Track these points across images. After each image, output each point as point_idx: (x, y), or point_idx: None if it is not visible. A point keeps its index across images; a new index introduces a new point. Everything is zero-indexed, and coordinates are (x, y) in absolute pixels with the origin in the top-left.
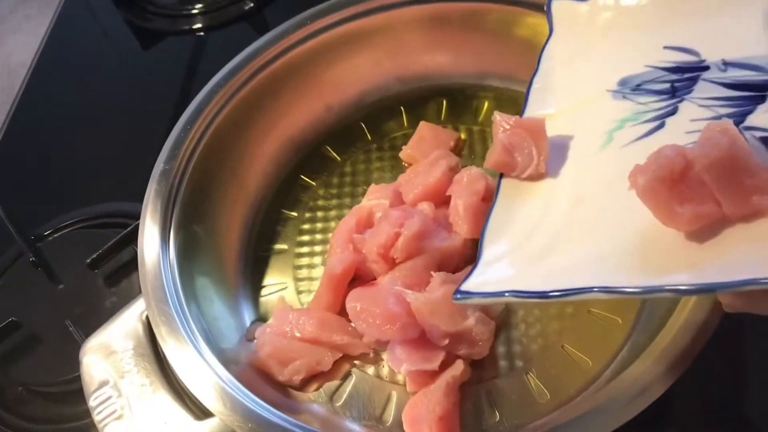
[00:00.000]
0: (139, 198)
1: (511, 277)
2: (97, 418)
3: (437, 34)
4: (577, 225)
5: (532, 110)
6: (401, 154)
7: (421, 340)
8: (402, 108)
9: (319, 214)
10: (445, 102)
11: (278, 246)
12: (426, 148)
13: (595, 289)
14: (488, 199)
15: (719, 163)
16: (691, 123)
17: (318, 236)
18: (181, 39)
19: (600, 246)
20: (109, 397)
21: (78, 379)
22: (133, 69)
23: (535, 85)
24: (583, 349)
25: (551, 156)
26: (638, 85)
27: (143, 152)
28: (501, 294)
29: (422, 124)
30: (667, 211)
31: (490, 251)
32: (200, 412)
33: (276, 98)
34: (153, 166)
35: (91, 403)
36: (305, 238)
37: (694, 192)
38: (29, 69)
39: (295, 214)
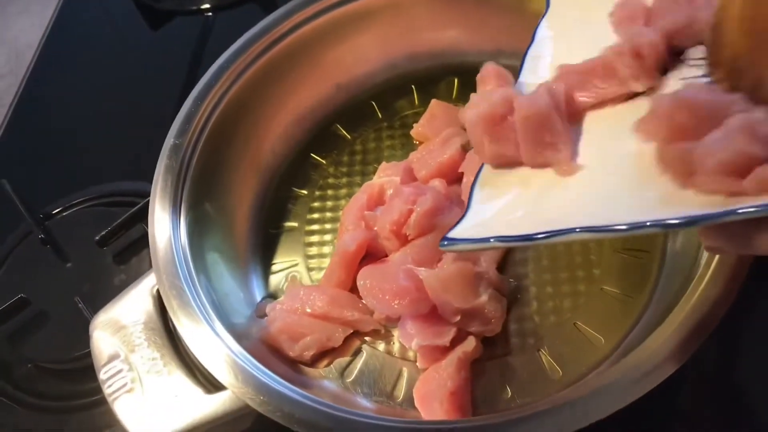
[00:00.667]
0: (148, 177)
1: (498, 224)
2: (107, 391)
3: (449, 11)
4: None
5: (526, 78)
6: (412, 132)
7: (431, 315)
8: (413, 86)
9: (330, 192)
10: (456, 80)
11: (289, 223)
12: (437, 125)
13: (578, 230)
14: None
15: (531, 117)
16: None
17: (328, 214)
18: (189, 19)
19: (589, 194)
20: (120, 371)
21: (88, 355)
22: (141, 49)
23: (530, 54)
24: (595, 327)
25: None
26: None
27: (151, 132)
28: (486, 240)
29: (434, 102)
30: (478, 144)
31: (479, 199)
32: (210, 385)
33: (285, 76)
34: (161, 146)
35: (102, 376)
36: (316, 215)
37: (504, 134)
38: (36, 50)
39: (305, 191)
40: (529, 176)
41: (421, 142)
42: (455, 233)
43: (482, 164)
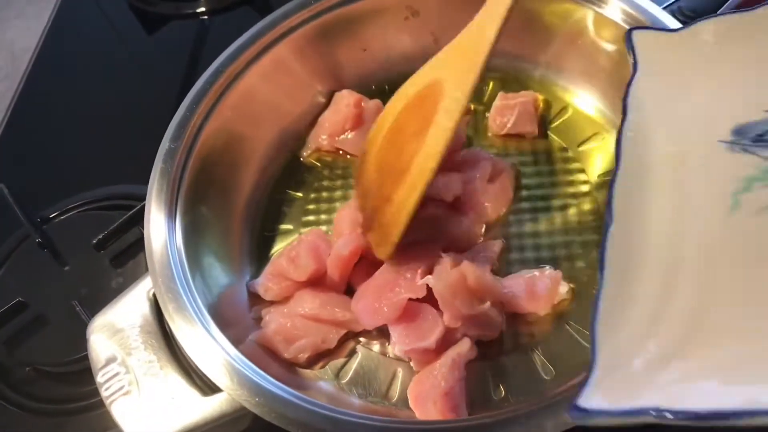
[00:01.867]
0: (144, 180)
1: (645, 388)
2: (104, 394)
3: (442, 14)
4: (715, 314)
5: (627, 161)
6: None
7: (415, 319)
8: None
9: (324, 194)
10: None
11: (284, 226)
12: None
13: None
14: (494, 179)
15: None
16: None
17: (323, 216)
18: (184, 23)
19: (749, 344)
20: (117, 374)
21: (85, 358)
22: (137, 53)
23: (627, 134)
24: (588, 326)
25: (659, 217)
26: (761, 135)
27: (148, 135)
28: (643, 412)
29: None
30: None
31: (607, 350)
32: (207, 387)
33: (280, 80)
34: (157, 149)
35: (99, 379)
36: (310, 218)
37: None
38: (33, 53)
39: (300, 194)
40: (667, 301)
41: None
42: (589, 400)
43: (598, 291)
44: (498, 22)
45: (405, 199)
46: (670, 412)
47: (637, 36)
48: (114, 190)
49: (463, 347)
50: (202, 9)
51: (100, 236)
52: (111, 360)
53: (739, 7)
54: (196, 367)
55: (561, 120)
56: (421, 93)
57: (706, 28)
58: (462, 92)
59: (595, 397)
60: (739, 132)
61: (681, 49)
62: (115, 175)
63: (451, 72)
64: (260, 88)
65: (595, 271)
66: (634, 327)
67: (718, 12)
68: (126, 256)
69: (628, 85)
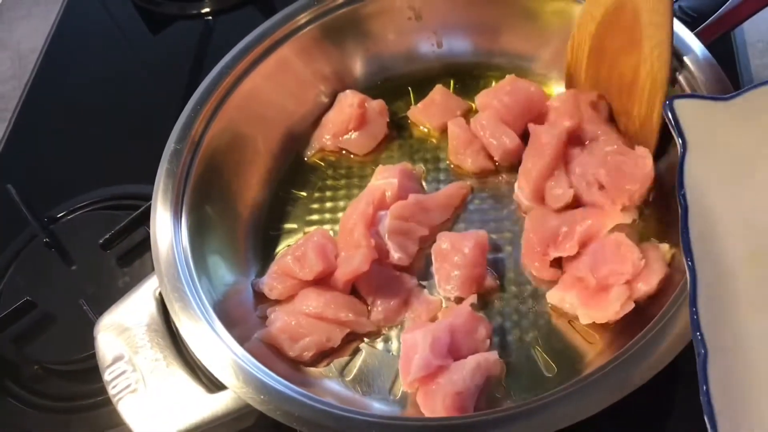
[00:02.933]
0: (150, 180)
1: None
2: (112, 392)
3: (446, 15)
4: None
5: (703, 268)
6: (409, 113)
7: None
8: (409, 88)
9: (328, 194)
10: (452, 81)
11: (288, 225)
12: (434, 111)
13: None
14: None
15: None
16: None
17: (327, 215)
18: (189, 23)
19: None
20: (124, 372)
21: (92, 357)
22: (142, 53)
23: (692, 230)
24: (590, 324)
25: (763, 335)
26: None
27: (154, 135)
28: None
29: (438, 87)
30: None
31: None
32: (212, 385)
33: (284, 80)
34: (163, 148)
35: (106, 377)
36: (315, 217)
37: None
38: (40, 54)
39: (304, 194)
40: None
41: (415, 125)
42: None
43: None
44: None
45: (647, 112)
46: None
47: (680, 106)
48: (120, 190)
49: (489, 359)
50: (207, 9)
51: (107, 236)
52: (118, 358)
53: (746, 4)
54: (202, 365)
55: None
56: (609, 11)
57: (761, 95)
58: (661, 2)
59: None
60: None
61: (734, 119)
62: (122, 175)
63: None
64: (264, 88)
65: None
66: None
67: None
68: (132, 255)
69: (680, 166)
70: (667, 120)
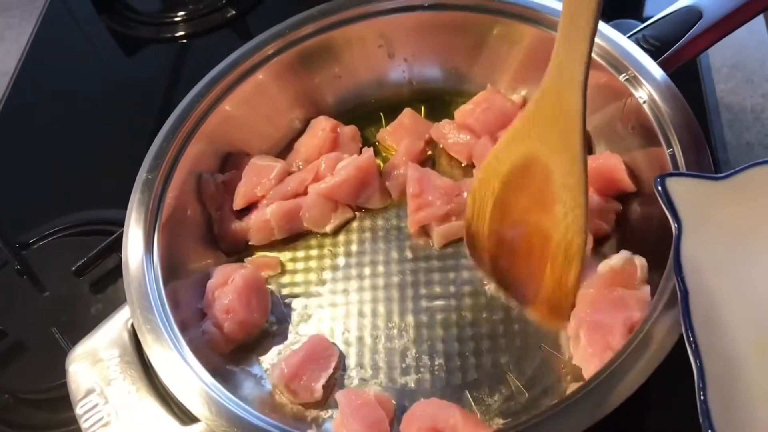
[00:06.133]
0: (124, 205)
1: None
2: (84, 425)
3: (416, 42)
4: None
5: (709, 359)
6: (378, 136)
7: None
8: (381, 114)
9: None
10: (423, 107)
11: (262, 253)
12: (402, 134)
13: None
14: None
15: None
16: None
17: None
18: (164, 46)
19: None
20: (96, 405)
21: (65, 385)
22: (116, 76)
23: (695, 316)
24: (557, 348)
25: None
26: None
27: (128, 159)
28: None
29: (406, 110)
30: None
31: None
32: (186, 417)
33: (255, 108)
34: (138, 172)
35: (78, 411)
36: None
37: None
38: (12, 77)
39: None
40: None
41: (383, 147)
42: None
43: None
44: (579, 87)
45: (562, 277)
46: None
47: (673, 185)
48: (93, 215)
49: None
50: (181, 33)
51: (79, 263)
52: (90, 391)
53: (708, 33)
54: (175, 397)
55: None
56: (516, 168)
57: (758, 175)
58: (575, 164)
59: None
60: None
61: (729, 199)
62: (95, 200)
63: (545, 144)
64: (239, 114)
65: None
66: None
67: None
68: (106, 282)
69: (675, 248)
70: (660, 199)
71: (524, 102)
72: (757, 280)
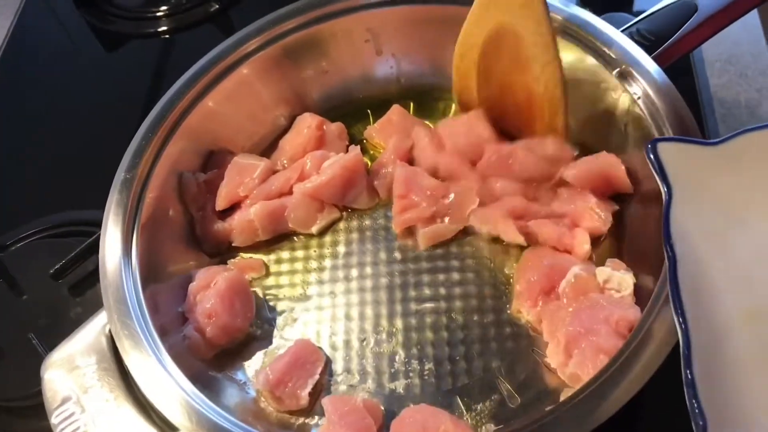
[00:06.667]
0: (104, 206)
1: None
2: None
3: (404, 37)
4: None
5: (696, 327)
6: (365, 133)
7: None
8: (369, 111)
9: None
10: (412, 104)
11: (245, 254)
12: (391, 131)
13: None
14: None
15: None
16: None
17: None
18: (146, 42)
19: None
20: (72, 414)
21: (41, 393)
22: (98, 73)
23: (684, 284)
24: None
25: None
26: None
27: (108, 158)
28: None
29: (395, 107)
30: None
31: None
32: (166, 426)
33: (239, 105)
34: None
35: (54, 420)
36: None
37: None
38: None
39: None
40: None
41: (371, 144)
42: None
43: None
44: None
45: (550, 129)
46: None
47: (664, 150)
48: (73, 216)
49: None
50: (164, 27)
51: (58, 266)
52: (66, 399)
53: (703, 27)
54: (155, 406)
55: None
56: (489, 39)
57: (750, 141)
58: (539, 24)
59: None
60: None
61: (721, 165)
62: (74, 201)
63: (508, 9)
64: (222, 111)
65: None
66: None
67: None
68: (85, 285)
69: (665, 214)
70: (650, 164)
71: None
72: (747, 249)
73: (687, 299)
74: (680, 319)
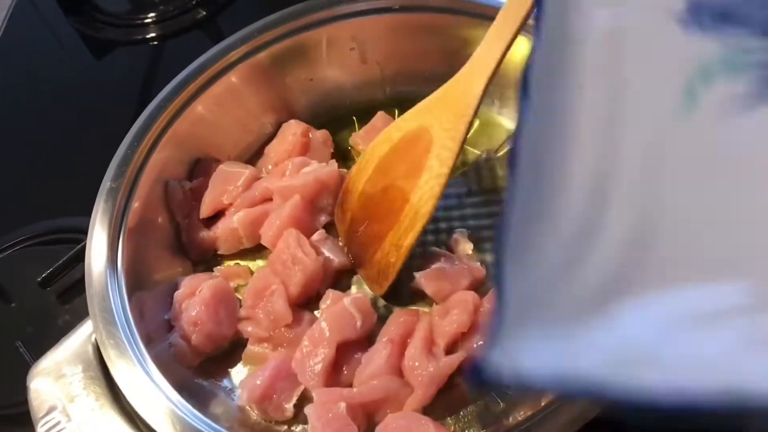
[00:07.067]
0: (91, 213)
1: (575, 344)
2: None
3: (389, 45)
4: (664, 241)
5: (550, 34)
6: (350, 139)
7: None
8: (354, 118)
9: None
10: (397, 111)
11: (231, 261)
12: (374, 137)
13: None
14: None
15: None
16: None
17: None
18: (134, 48)
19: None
20: (58, 423)
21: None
22: (86, 80)
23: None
24: None
25: (590, 112)
26: (723, 14)
27: (98, 165)
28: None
29: (379, 113)
30: None
31: (522, 287)
32: None
33: (226, 112)
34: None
35: (39, 429)
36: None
37: None
38: None
39: None
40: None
41: (356, 151)
42: (500, 356)
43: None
44: (485, 78)
45: (400, 240)
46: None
47: None
48: (60, 224)
49: None
50: (152, 34)
51: (45, 273)
52: (52, 408)
53: None
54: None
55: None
56: (407, 137)
57: None
58: (454, 141)
59: (508, 353)
60: (697, 7)
61: None
62: (62, 207)
63: (439, 121)
64: (209, 118)
65: None
66: (557, 255)
67: None
68: (73, 292)
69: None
70: None
71: None
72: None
73: (550, 7)
74: (537, 26)
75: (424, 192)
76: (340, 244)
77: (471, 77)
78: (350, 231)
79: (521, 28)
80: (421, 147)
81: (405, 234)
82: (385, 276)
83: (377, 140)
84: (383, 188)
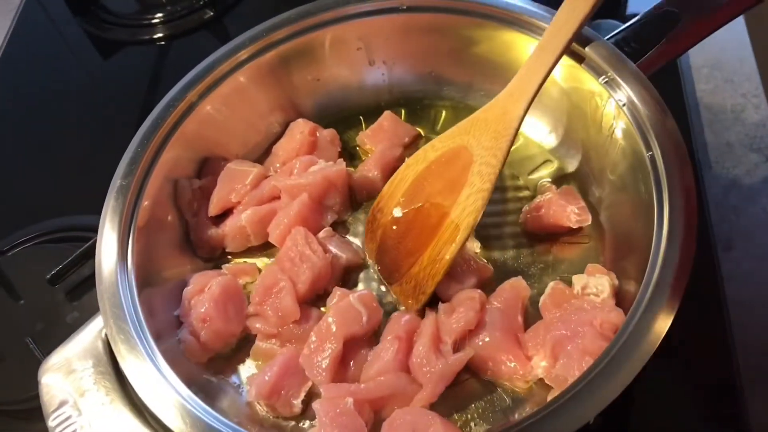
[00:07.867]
0: (100, 210)
1: None
2: None
3: (395, 45)
4: None
5: None
6: (357, 138)
7: None
8: (361, 118)
9: None
10: (403, 111)
11: (240, 258)
12: (382, 137)
13: None
14: None
15: None
16: None
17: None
18: (142, 48)
19: None
20: (69, 417)
21: (38, 396)
22: (94, 79)
23: None
24: None
25: None
26: None
27: (105, 164)
28: None
29: (386, 113)
30: None
31: None
32: (161, 428)
33: (234, 111)
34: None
35: (51, 423)
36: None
37: None
38: None
39: None
40: None
41: (363, 150)
42: None
43: None
44: (527, 100)
45: (441, 253)
46: None
47: None
48: (69, 221)
49: None
50: (159, 35)
51: (54, 271)
52: (63, 403)
53: (687, 35)
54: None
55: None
56: (444, 156)
57: None
58: (496, 158)
59: None
60: None
61: None
62: (71, 206)
63: (478, 140)
64: (217, 118)
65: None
66: None
67: None
68: (82, 289)
69: None
70: None
71: None
72: None
73: None
74: None
75: (466, 206)
76: (370, 262)
77: (511, 99)
78: (381, 249)
79: (564, 52)
80: (459, 165)
81: (445, 247)
82: (423, 289)
83: (411, 161)
84: (418, 206)
